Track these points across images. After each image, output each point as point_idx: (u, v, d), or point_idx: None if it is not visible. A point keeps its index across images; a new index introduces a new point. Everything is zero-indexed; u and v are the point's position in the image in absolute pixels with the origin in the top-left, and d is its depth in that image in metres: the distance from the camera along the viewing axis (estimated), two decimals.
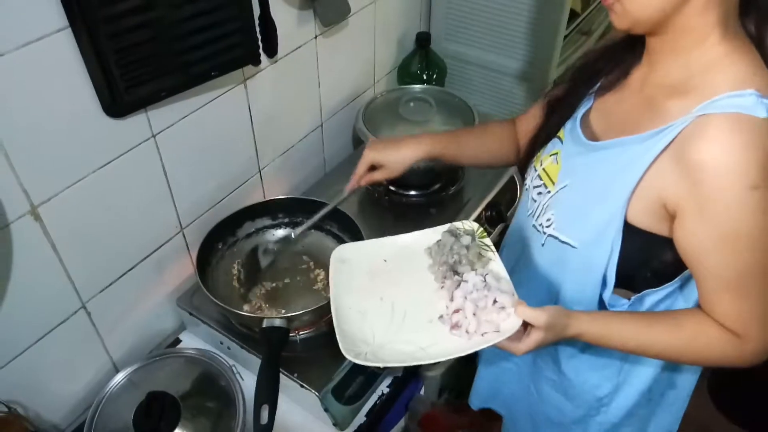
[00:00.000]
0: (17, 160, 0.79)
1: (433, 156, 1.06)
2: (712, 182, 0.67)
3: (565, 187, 0.86)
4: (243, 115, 1.16)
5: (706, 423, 1.94)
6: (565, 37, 1.47)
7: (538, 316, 0.77)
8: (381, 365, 0.79)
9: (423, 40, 1.51)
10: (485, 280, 0.83)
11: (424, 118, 1.35)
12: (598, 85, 0.88)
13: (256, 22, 1.04)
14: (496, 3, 1.47)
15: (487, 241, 0.90)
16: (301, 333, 1.08)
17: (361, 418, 1.06)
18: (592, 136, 0.85)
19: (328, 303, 0.89)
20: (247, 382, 1.00)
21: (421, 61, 1.55)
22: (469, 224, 0.93)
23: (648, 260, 0.82)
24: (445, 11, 1.57)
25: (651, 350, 0.82)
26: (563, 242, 0.85)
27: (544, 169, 0.92)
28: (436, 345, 0.80)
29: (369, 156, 1.08)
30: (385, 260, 0.95)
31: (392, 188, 1.38)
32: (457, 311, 0.82)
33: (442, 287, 0.87)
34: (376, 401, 1.09)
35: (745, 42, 0.72)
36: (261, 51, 1.09)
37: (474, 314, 0.80)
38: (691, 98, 0.71)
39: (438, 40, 1.60)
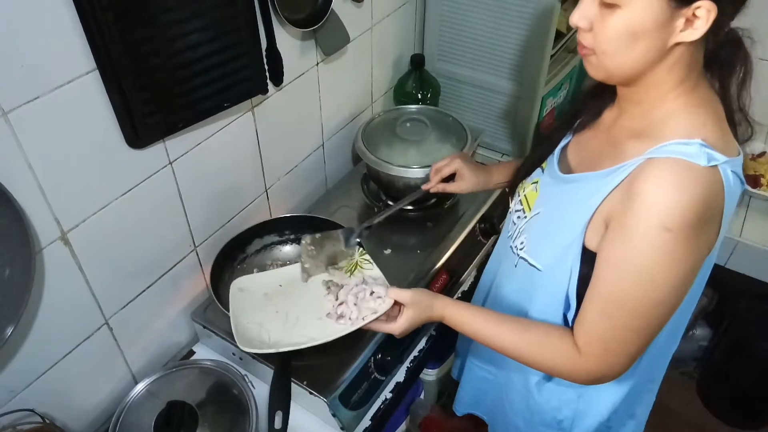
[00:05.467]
0: (50, 192, 0.85)
1: (497, 186, 1.19)
2: (637, 210, 0.71)
3: (538, 213, 0.92)
4: (251, 139, 1.21)
5: (696, 420, 2.00)
6: (552, 55, 1.51)
7: (404, 294, 0.90)
8: (275, 350, 0.93)
9: (417, 61, 1.57)
10: (364, 279, 1.00)
11: (419, 137, 1.40)
12: (578, 122, 0.94)
13: (264, 54, 1.10)
14: (485, 26, 1.52)
15: (367, 256, 1.08)
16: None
17: (366, 422, 1.09)
18: (567, 169, 0.91)
19: None
20: (259, 390, 1.04)
21: (416, 81, 1.60)
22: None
23: None
24: (438, 34, 1.62)
25: (496, 343, 0.87)
26: (531, 265, 0.90)
27: (525, 195, 0.98)
28: (324, 333, 0.95)
29: (458, 164, 1.16)
30: (281, 285, 1.10)
31: (390, 203, 1.42)
32: (341, 304, 0.97)
33: (328, 293, 1.03)
34: (380, 406, 1.12)
35: (707, 94, 0.77)
36: (268, 80, 1.14)
37: (355, 304, 0.95)
38: (645, 141, 0.76)
39: (431, 61, 1.65)
